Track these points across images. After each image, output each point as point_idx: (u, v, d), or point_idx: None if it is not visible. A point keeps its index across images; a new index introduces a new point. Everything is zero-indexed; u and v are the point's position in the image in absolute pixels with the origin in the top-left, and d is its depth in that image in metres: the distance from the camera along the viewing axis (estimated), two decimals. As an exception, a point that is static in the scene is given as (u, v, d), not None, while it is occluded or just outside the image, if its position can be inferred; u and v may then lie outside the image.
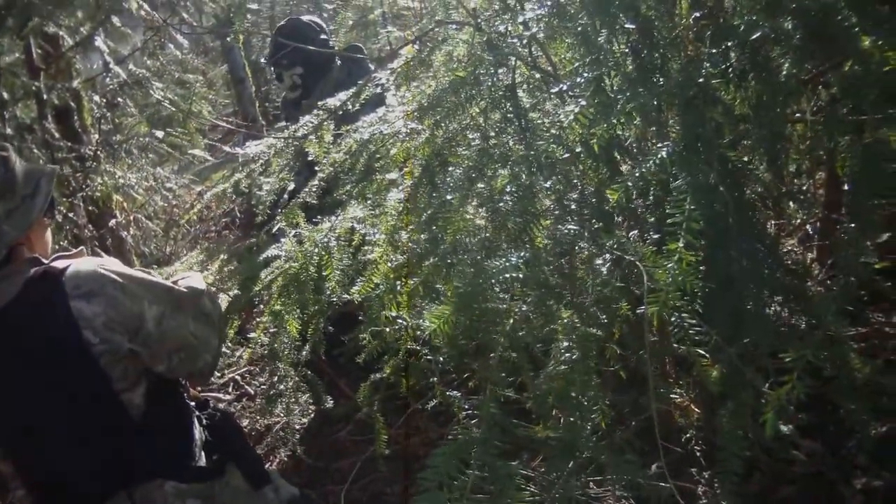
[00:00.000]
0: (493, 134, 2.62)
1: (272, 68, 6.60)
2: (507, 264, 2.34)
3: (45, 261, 3.16)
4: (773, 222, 3.40)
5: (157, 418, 3.19)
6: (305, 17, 6.50)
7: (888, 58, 2.08)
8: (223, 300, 3.77)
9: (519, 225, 2.45)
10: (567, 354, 2.37)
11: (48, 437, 3.23)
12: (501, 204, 2.47)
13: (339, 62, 6.32)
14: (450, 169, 2.69)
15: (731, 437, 2.28)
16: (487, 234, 2.56)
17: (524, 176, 2.44)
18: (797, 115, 2.81)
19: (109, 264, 3.13)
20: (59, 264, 3.11)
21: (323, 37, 6.30)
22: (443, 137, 2.77)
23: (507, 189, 2.46)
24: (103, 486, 3.17)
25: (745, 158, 2.57)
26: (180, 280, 3.33)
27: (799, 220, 4.16)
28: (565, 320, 2.42)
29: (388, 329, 3.03)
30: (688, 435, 3.26)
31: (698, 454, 3.29)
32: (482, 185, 2.56)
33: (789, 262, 2.96)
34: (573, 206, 2.53)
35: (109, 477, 3.16)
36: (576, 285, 2.49)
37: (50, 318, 3.03)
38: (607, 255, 2.36)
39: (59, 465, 3.31)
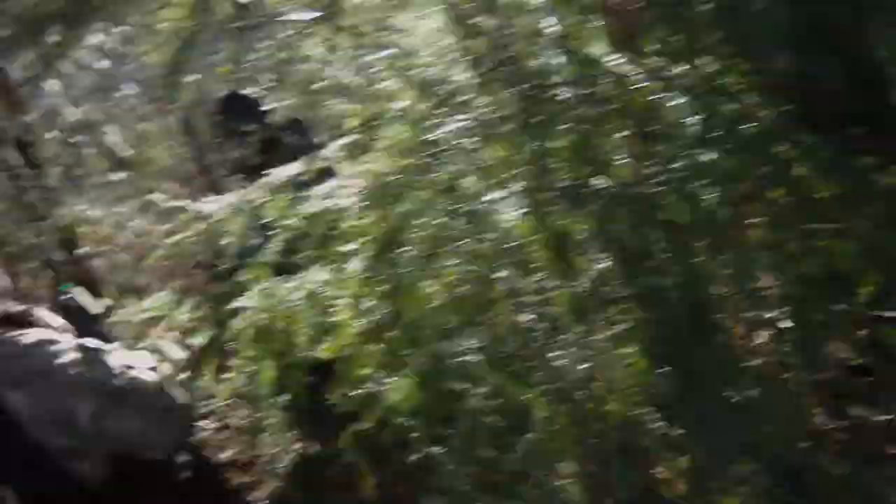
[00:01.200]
0: (441, 219, 2.60)
1: (225, 133, 6.48)
2: (465, 347, 2.34)
3: None
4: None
5: (111, 485, 3.09)
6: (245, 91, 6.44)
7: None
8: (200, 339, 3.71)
9: (475, 309, 2.45)
10: (545, 425, 2.36)
11: None
12: (457, 289, 2.47)
13: (285, 132, 6.26)
14: (403, 248, 2.68)
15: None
16: (445, 313, 2.54)
17: (475, 267, 2.43)
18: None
19: (43, 347, 3.05)
20: None
21: (264, 109, 6.26)
22: (395, 217, 2.75)
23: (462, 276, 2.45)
24: None
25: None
26: (139, 364, 3.19)
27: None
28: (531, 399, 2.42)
29: (358, 390, 2.99)
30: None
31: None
32: (436, 267, 2.54)
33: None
34: (528, 296, 2.51)
35: None
36: (536, 371, 2.48)
37: None
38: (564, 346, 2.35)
39: None
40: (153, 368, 3.13)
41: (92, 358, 2.99)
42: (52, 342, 3.09)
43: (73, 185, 8.22)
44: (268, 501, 5.41)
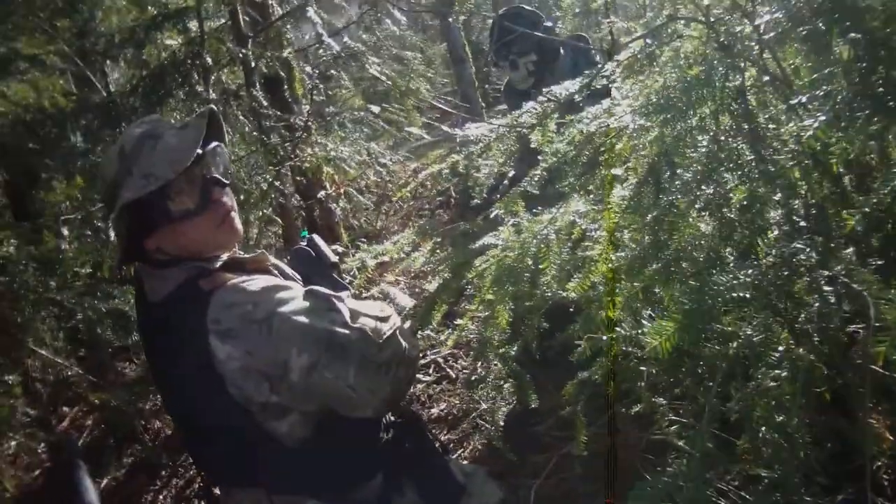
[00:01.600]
0: (722, 138, 2.49)
1: (499, 53, 6.47)
2: (735, 282, 2.24)
3: (202, 264, 3.01)
4: None
5: (312, 443, 3.00)
6: (527, 7, 6.41)
7: None
8: (436, 283, 3.68)
9: (745, 237, 2.35)
10: (777, 371, 2.27)
11: (188, 432, 3.25)
12: (727, 211, 2.37)
13: (563, 51, 6.24)
14: (677, 171, 2.57)
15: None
16: (712, 244, 2.44)
17: (758, 187, 2.32)
18: None
19: (268, 295, 2.91)
20: (211, 283, 2.94)
21: (547, 24, 6.23)
22: (671, 136, 2.65)
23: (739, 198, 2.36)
24: (240, 484, 3.10)
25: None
26: (367, 312, 2.98)
27: None
28: (782, 341, 2.31)
29: (602, 335, 2.90)
30: (879, 463, 3.12)
31: (886, 483, 3.15)
32: (710, 191, 2.43)
33: None
34: (801, 223, 2.41)
35: (247, 481, 3.05)
36: (796, 306, 2.37)
37: (187, 344, 2.88)
38: (830, 277, 2.23)
39: (197, 455, 3.35)
40: (383, 318, 3.00)
41: (318, 306, 2.90)
42: (277, 289, 2.96)
43: (321, 123, 8.28)
44: (468, 459, 5.43)
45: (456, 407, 6.05)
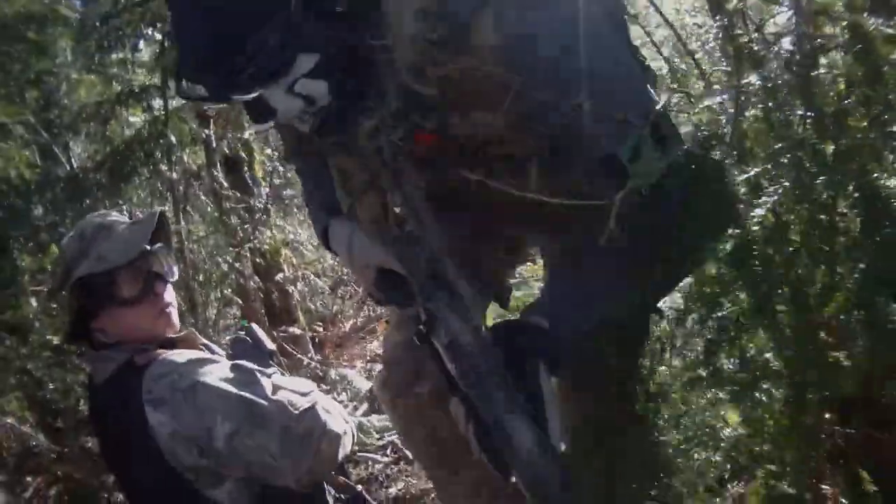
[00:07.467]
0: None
1: None
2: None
3: (138, 345, 3.19)
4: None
5: None
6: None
7: None
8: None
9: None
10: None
11: None
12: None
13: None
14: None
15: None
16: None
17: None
18: None
19: (194, 366, 3.10)
20: (144, 358, 3.11)
21: None
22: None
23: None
24: None
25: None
26: (287, 387, 3.18)
27: None
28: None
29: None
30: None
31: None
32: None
33: None
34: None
35: None
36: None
37: (125, 417, 3.04)
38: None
39: None
40: (303, 393, 3.19)
41: (240, 378, 3.11)
42: (203, 362, 3.18)
43: (280, 206, 8.30)
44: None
45: (414, 486, 6.06)
